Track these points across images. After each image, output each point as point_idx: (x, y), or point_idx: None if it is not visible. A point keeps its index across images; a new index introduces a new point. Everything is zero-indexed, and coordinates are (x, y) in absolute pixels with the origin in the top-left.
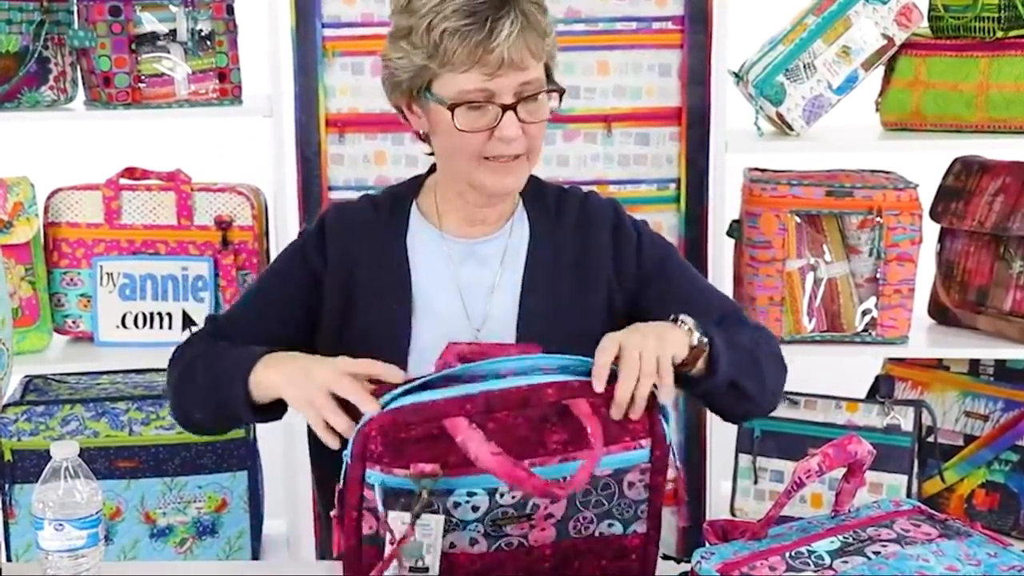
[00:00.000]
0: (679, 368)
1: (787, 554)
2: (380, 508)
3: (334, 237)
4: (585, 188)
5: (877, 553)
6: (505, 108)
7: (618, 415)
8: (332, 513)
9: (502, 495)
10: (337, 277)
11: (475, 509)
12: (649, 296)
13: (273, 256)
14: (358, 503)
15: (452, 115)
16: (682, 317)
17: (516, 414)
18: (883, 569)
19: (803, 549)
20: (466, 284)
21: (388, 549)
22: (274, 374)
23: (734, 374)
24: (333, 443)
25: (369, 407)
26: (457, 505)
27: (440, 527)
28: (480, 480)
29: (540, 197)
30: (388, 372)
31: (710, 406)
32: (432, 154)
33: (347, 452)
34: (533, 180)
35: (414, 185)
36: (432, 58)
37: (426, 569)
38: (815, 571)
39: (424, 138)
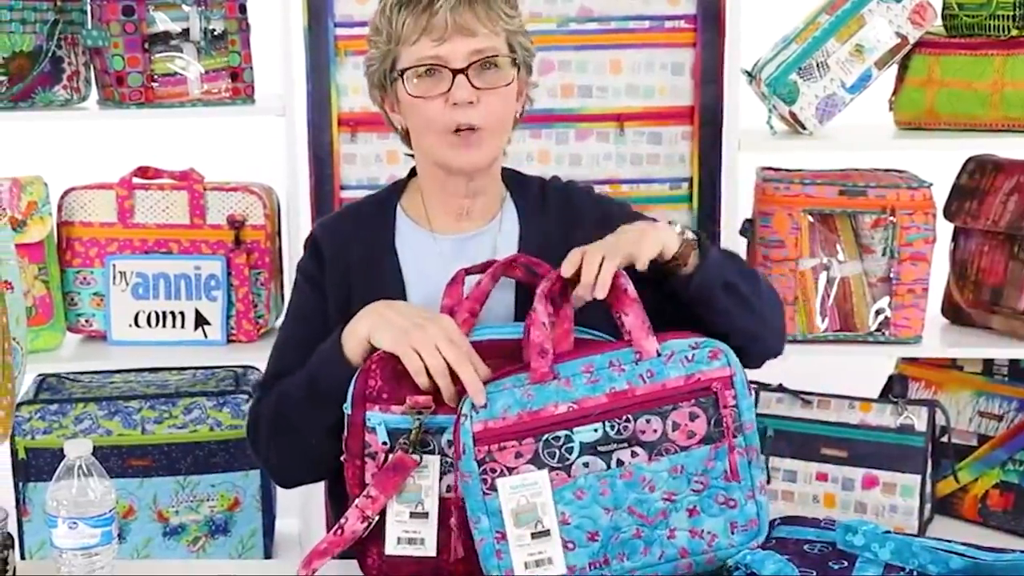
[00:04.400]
0: (673, 264)
1: (545, 437)
2: (381, 441)
3: (327, 249)
4: (566, 179)
5: (621, 463)
6: (456, 72)
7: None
8: (342, 457)
9: None
10: (335, 286)
11: None
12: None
13: (286, 255)
14: (360, 450)
15: (404, 83)
16: (671, 220)
17: (503, 362)
18: (607, 494)
19: (561, 434)
20: None
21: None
22: (367, 320)
23: (728, 274)
24: (426, 382)
25: (479, 398)
26: (451, 444)
27: (437, 467)
28: None
29: (525, 188)
30: (474, 386)
31: (717, 324)
32: (412, 155)
33: (346, 404)
34: (514, 173)
35: (396, 188)
36: (390, 39)
37: (426, 514)
38: (555, 469)
39: (405, 136)
